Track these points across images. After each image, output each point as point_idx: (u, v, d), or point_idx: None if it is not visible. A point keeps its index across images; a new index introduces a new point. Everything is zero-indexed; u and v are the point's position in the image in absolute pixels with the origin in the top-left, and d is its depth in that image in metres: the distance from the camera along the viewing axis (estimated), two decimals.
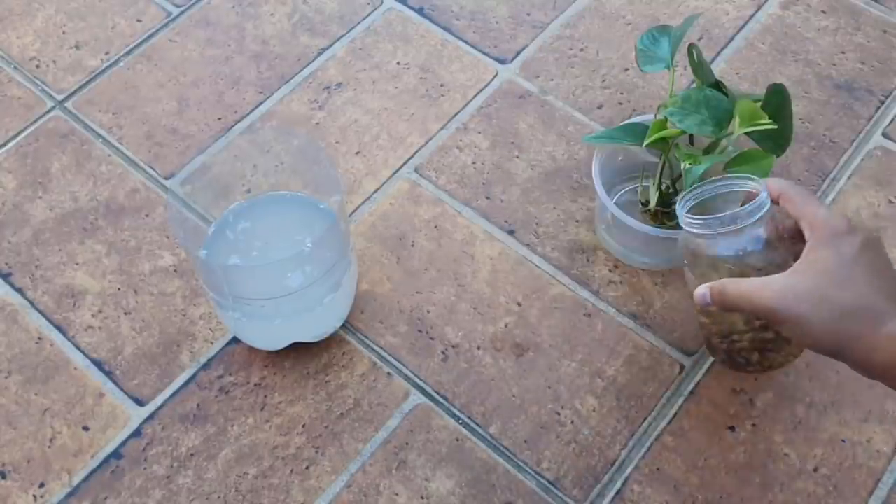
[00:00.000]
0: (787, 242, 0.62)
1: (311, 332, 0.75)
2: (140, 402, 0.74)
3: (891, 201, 0.83)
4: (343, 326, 0.77)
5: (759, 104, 0.71)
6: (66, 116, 0.90)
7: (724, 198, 0.65)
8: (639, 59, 0.78)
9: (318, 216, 0.74)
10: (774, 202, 0.61)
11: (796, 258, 0.58)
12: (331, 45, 0.94)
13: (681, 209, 0.65)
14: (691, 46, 0.75)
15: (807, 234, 0.58)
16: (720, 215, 0.62)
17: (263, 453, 0.72)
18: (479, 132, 0.88)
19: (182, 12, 0.97)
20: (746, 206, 0.62)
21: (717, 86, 0.75)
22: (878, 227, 0.82)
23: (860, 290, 0.55)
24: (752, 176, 0.64)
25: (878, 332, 0.54)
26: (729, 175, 0.65)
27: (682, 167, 0.71)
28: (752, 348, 0.68)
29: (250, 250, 0.73)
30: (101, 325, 0.78)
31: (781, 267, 0.59)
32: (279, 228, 0.74)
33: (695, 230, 0.63)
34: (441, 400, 0.74)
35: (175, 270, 0.80)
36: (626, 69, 0.92)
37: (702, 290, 0.62)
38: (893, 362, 0.53)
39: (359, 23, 0.96)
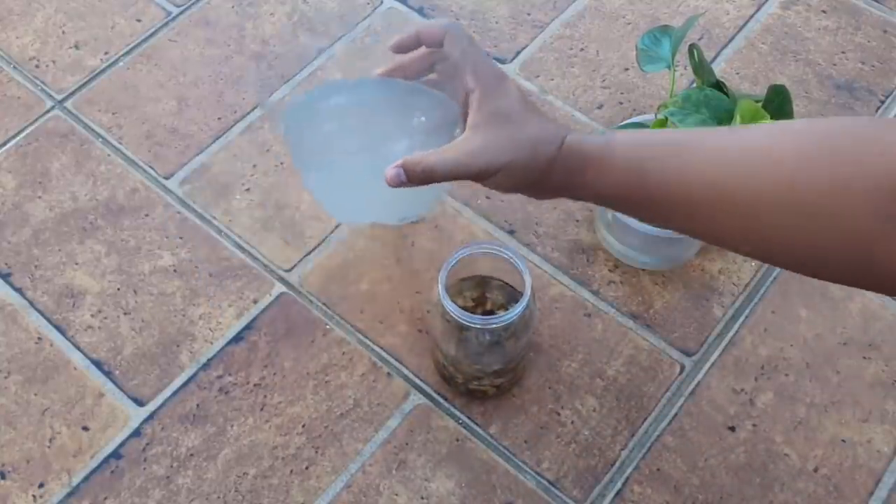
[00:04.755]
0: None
1: (395, 212, 0.70)
2: (140, 402, 0.74)
3: None
4: (343, 326, 0.77)
5: (759, 104, 0.71)
6: (66, 116, 0.90)
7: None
8: (640, 59, 0.78)
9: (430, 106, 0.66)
10: (438, 44, 0.62)
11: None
12: (331, 45, 0.94)
13: None
14: (692, 46, 0.75)
15: (471, 83, 0.60)
16: None
17: (263, 453, 0.72)
18: None
19: (182, 12, 0.97)
20: None
21: (718, 86, 0.75)
22: None
23: (536, 120, 0.59)
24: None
25: (561, 146, 0.58)
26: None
27: None
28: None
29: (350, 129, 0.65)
30: (101, 325, 0.78)
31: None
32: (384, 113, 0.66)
33: None
34: (441, 400, 0.74)
35: (175, 270, 0.80)
36: (627, 69, 0.92)
37: (393, 170, 0.58)
38: (581, 163, 0.57)
39: (359, 23, 0.96)
